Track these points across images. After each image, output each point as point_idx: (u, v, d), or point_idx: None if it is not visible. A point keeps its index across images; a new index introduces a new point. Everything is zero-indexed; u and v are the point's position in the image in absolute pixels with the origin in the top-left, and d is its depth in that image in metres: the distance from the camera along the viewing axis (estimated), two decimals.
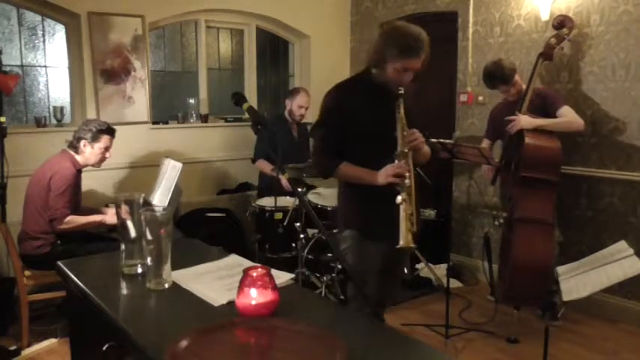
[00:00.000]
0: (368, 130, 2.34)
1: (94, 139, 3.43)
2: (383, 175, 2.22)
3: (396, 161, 2.21)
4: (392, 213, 2.20)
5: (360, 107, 2.35)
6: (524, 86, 3.60)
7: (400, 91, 2.26)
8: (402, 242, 2.10)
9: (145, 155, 4.48)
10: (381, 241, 2.41)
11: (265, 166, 4.39)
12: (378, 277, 2.46)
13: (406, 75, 2.27)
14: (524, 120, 3.42)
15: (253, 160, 4.50)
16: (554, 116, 3.46)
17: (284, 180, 4.09)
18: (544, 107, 3.49)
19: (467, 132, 4.58)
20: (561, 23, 3.59)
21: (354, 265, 2.43)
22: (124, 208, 1.76)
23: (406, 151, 2.22)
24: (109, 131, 3.50)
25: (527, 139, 3.36)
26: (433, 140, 3.47)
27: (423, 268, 4.48)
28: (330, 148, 2.40)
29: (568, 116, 3.45)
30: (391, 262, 2.52)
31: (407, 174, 2.16)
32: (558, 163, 3.41)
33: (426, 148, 2.46)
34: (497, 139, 3.88)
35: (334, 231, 3.87)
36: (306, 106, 4.49)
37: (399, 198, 2.14)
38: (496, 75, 3.58)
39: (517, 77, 3.62)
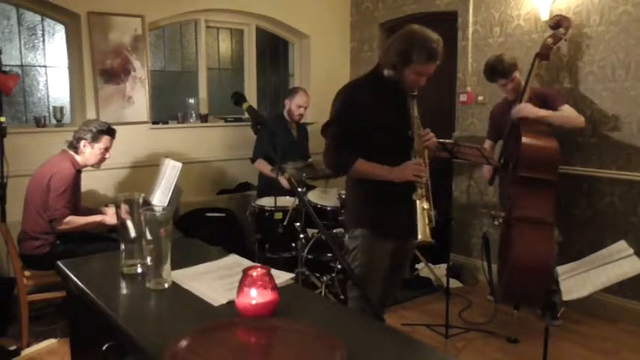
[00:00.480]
0: (380, 128, 2.38)
1: (94, 139, 3.43)
2: (405, 172, 2.27)
3: (413, 158, 2.29)
4: (405, 210, 2.25)
5: (373, 106, 2.39)
6: (523, 83, 3.60)
7: (414, 92, 2.36)
8: (420, 236, 2.19)
9: (144, 155, 4.48)
10: (392, 240, 2.44)
11: (264, 166, 4.38)
12: (384, 276, 2.48)
13: (423, 79, 2.35)
14: (529, 108, 3.42)
15: (252, 160, 4.50)
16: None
17: (283, 180, 4.09)
18: (544, 106, 3.49)
19: (466, 132, 4.58)
20: (558, 23, 3.58)
21: (364, 264, 2.44)
22: (124, 208, 1.76)
23: (422, 149, 2.32)
24: (110, 132, 3.50)
25: (525, 139, 3.36)
26: None
27: (422, 268, 4.48)
28: (344, 145, 2.41)
29: (569, 113, 3.45)
30: (398, 261, 2.55)
31: (424, 171, 2.27)
32: (556, 162, 3.41)
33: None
34: (498, 139, 3.88)
35: (334, 231, 3.89)
36: (305, 106, 4.48)
37: (416, 194, 2.23)
38: (496, 68, 3.59)
39: (517, 73, 3.62)
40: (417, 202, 2.22)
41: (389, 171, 2.33)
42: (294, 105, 4.46)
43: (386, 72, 2.40)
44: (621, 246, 2.40)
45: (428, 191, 2.26)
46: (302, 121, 4.60)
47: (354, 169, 2.40)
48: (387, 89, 2.40)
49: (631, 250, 2.34)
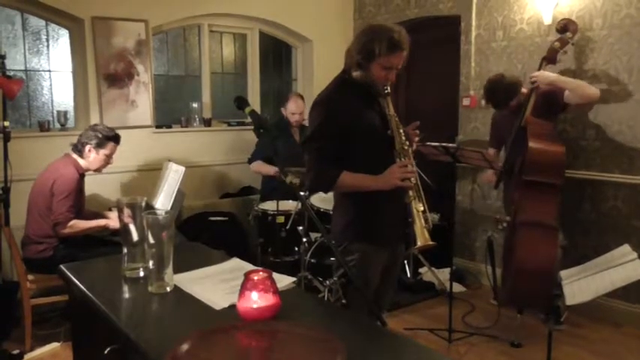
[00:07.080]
0: (364, 133, 2.28)
1: (100, 145, 3.44)
2: (391, 179, 2.15)
3: (397, 160, 2.18)
4: (397, 216, 2.18)
5: (352, 112, 2.29)
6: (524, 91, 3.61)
7: (386, 90, 2.25)
8: (419, 242, 2.05)
9: (148, 159, 4.49)
10: (387, 247, 2.38)
11: (261, 166, 4.35)
12: (378, 282, 2.44)
13: (391, 73, 2.25)
14: (543, 75, 3.43)
15: (249, 161, 4.47)
16: (562, 103, 3.45)
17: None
18: (549, 102, 3.47)
19: (470, 136, 4.57)
20: (565, 27, 3.57)
21: (360, 277, 2.35)
22: (127, 212, 1.77)
23: (406, 147, 2.20)
24: (115, 138, 3.52)
25: (532, 143, 3.34)
26: (436, 144, 3.47)
27: (426, 272, 4.47)
28: (325, 160, 2.27)
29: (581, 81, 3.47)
30: (391, 265, 2.50)
31: (412, 172, 2.14)
32: (562, 166, 3.39)
33: None
34: (501, 145, 3.86)
35: (334, 242, 3.86)
36: (298, 112, 4.39)
37: (407, 197, 2.11)
38: (509, 90, 3.51)
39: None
40: (412, 204, 2.09)
41: (375, 180, 2.21)
42: (288, 113, 4.41)
43: (354, 74, 2.29)
44: (625, 250, 2.40)
45: (419, 191, 2.13)
46: (305, 124, 4.59)
47: (339, 184, 2.26)
48: (359, 92, 2.30)
49: (635, 254, 2.33)
